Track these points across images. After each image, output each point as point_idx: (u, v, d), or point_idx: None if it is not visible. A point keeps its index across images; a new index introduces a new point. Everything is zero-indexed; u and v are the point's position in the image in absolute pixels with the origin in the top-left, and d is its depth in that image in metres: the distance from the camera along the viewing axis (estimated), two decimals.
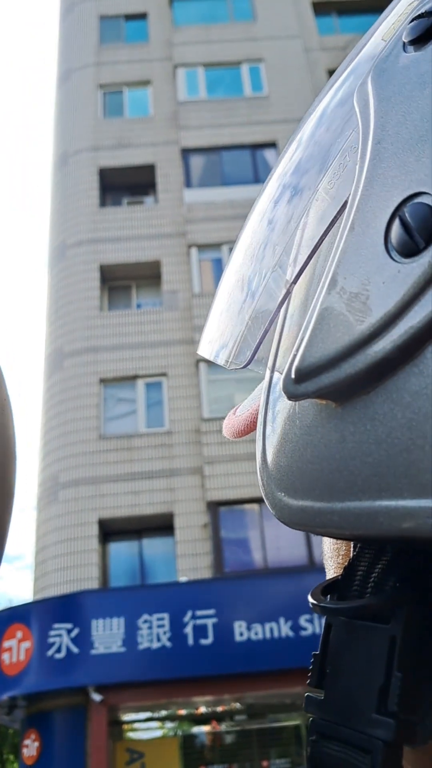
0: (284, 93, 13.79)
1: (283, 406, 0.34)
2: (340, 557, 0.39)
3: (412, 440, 0.26)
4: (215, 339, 0.40)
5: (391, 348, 0.26)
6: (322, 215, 0.33)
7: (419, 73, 0.30)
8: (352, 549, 0.35)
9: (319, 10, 15.67)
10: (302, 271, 0.34)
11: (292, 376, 0.30)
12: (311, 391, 0.29)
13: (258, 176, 12.91)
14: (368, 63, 0.35)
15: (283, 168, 0.40)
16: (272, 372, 0.37)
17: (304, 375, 0.29)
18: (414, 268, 0.26)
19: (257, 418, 0.38)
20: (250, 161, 13.15)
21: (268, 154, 13.22)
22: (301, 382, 0.30)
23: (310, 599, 0.33)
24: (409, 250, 0.27)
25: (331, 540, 0.40)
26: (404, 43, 0.32)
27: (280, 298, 0.35)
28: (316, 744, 0.31)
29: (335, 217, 0.32)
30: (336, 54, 14.53)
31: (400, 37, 0.32)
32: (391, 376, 0.27)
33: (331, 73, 13.72)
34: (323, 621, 0.34)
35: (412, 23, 0.32)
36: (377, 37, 0.36)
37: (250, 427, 0.42)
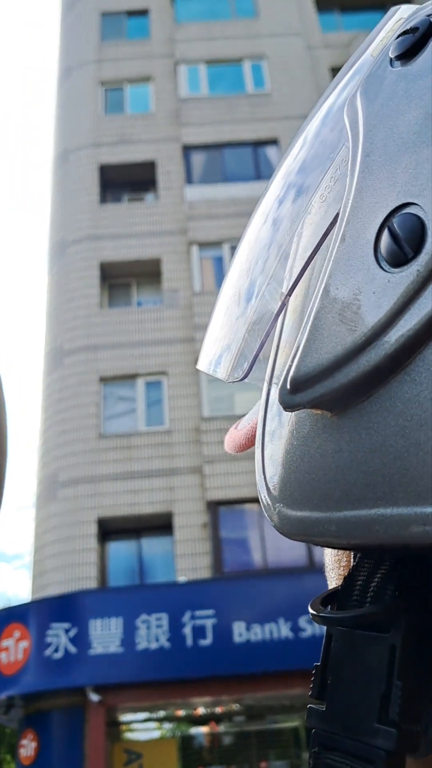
0: (286, 90, 13.73)
1: (280, 417, 0.34)
2: (341, 568, 0.38)
3: (405, 448, 0.26)
4: (213, 353, 0.41)
5: (383, 357, 0.27)
6: (315, 227, 0.34)
7: (405, 87, 0.31)
8: (352, 559, 0.35)
9: (322, 6, 15.62)
10: (297, 284, 0.34)
11: (288, 386, 0.30)
12: (306, 401, 0.30)
13: (260, 173, 12.86)
14: (358, 78, 0.36)
15: (276, 184, 0.41)
16: (269, 385, 0.37)
17: (299, 385, 0.30)
18: (403, 278, 0.27)
19: (254, 432, 0.39)
20: (252, 158, 13.10)
21: (270, 151, 13.16)
22: (297, 393, 0.30)
23: (310, 609, 0.33)
24: (398, 260, 0.27)
25: (332, 551, 0.40)
26: (391, 58, 0.33)
27: (275, 311, 0.35)
28: (319, 756, 0.31)
29: (328, 229, 0.32)
30: (339, 51, 14.47)
31: (387, 52, 0.33)
32: (383, 385, 0.27)
33: (334, 70, 13.75)
34: (324, 629, 0.34)
35: (398, 39, 0.32)
36: (368, 52, 0.37)
37: (251, 441, 0.42)
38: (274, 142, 13.16)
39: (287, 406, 0.31)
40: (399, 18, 0.37)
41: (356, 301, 0.28)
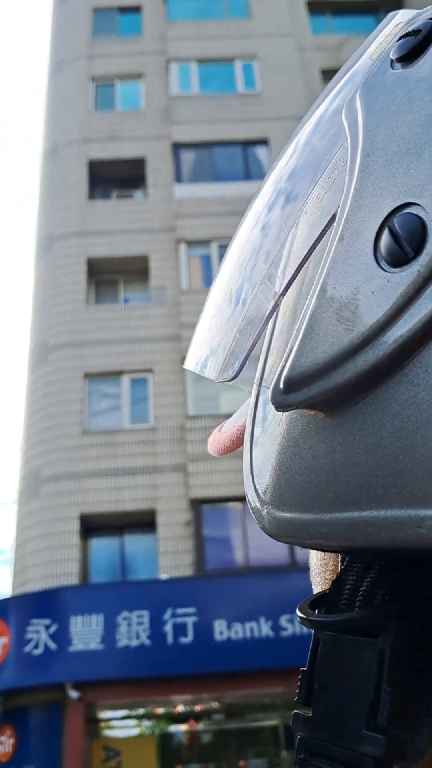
0: (277, 91, 13.75)
1: (270, 418, 0.34)
2: (328, 572, 0.38)
3: (401, 449, 0.26)
4: (202, 352, 0.40)
5: (381, 357, 0.27)
6: (310, 228, 0.33)
7: (407, 89, 0.30)
8: (339, 563, 0.34)
9: (314, 9, 15.65)
10: (291, 284, 0.34)
11: (281, 386, 0.30)
12: (300, 400, 0.29)
13: (249, 173, 12.87)
14: (356, 80, 0.36)
15: (273, 180, 0.40)
16: (259, 386, 0.36)
17: (293, 384, 0.29)
18: (403, 278, 0.26)
19: (243, 434, 0.38)
20: (242, 158, 13.10)
21: (260, 151, 13.17)
22: (290, 392, 0.29)
23: (299, 613, 0.32)
24: (399, 259, 0.27)
25: (319, 555, 0.39)
26: (392, 60, 0.32)
27: (268, 310, 0.35)
28: (305, 762, 0.31)
29: (324, 229, 0.32)
30: (329, 54, 14.51)
31: (388, 54, 0.33)
32: (380, 386, 0.27)
33: (324, 72, 13.70)
34: (305, 629, 0.31)
35: (400, 41, 0.32)
36: (366, 56, 0.37)
37: (236, 443, 0.42)
38: (264, 142, 13.17)
39: (280, 405, 0.30)
40: (398, 22, 0.37)
41: (354, 300, 0.28)
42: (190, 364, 0.42)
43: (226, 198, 12.28)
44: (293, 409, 0.31)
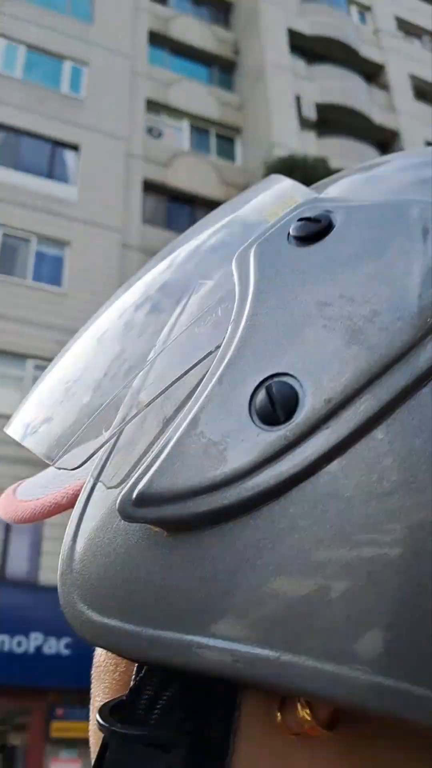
0: (100, 103, 13.68)
1: (106, 517, 0.33)
2: (118, 673, 0.37)
3: (235, 586, 0.28)
4: (38, 427, 0.38)
5: (237, 500, 0.28)
6: (186, 355, 0.34)
7: (302, 270, 0.32)
8: (135, 668, 0.33)
9: (154, 40, 15.96)
10: (156, 399, 0.34)
11: (133, 497, 0.30)
12: (149, 518, 0.29)
13: (53, 173, 12.56)
14: (248, 230, 0.37)
15: (146, 282, 0.41)
16: (96, 479, 0.34)
17: (146, 501, 0.29)
18: (271, 436, 0.28)
19: (47, 512, 0.38)
20: (49, 156, 12.77)
21: (69, 155, 12.94)
22: (141, 507, 0.29)
23: (98, 718, 0.31)
24: (270, 420, 0.29)
25: (108, 653, 0.38)
26: (289, 234, 0.34)
27: (128, 417, 0.34)
28: None
29: (197, 362, 0.33)
30: (159, 87, 14.86)
31: (286, 227, 0.34)
32: (227, 523, 0.28)
33: (149, 103, 13.85)
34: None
35: (300, 222, 0.34)
36: (255, 209, 0.39)
37: (36, 518, 0.39)
38: (75, 147, 12.97)
39: (127, 517, 0.30)
40: (294, 195, 0.38)
41: (224, 442, 0.29)
42: (16, 431, 0.39)
43: (26, 189, 11.83)
44: (139, 523, 0.30)
